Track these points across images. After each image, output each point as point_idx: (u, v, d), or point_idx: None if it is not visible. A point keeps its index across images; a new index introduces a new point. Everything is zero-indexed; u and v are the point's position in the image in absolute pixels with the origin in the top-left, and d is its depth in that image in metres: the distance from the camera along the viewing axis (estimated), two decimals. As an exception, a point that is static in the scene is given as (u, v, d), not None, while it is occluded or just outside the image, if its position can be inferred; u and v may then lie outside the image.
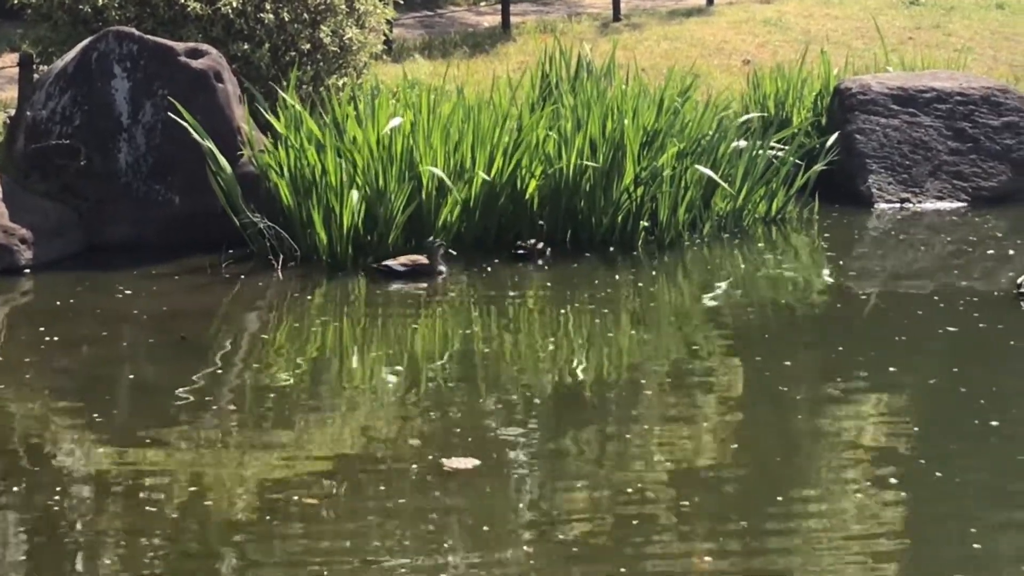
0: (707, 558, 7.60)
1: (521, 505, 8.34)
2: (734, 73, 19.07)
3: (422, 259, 13.16)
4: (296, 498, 8.33)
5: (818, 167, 15.85)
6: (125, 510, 8.22)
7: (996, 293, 12.83)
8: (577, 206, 14.22)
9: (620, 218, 14.24)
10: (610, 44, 18.22)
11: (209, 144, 13.59)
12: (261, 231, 13.47)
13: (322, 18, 15.49)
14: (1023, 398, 10.18)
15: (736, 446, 9.23)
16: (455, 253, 13.41)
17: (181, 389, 10.17)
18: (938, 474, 8.74)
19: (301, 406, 9.97)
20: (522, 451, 9.15)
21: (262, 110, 14.28)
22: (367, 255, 13.48)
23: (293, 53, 15.26)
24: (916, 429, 9.52)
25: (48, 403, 10.08)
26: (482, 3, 23.94)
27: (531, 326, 12.03)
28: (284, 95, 14.16)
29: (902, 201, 16.31)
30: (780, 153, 15.50)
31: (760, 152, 15.14)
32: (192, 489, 8.46)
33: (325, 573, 7.45)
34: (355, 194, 13.46)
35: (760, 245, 14.62)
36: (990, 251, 14.42)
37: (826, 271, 13.99)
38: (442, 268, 13.18)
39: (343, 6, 15.62)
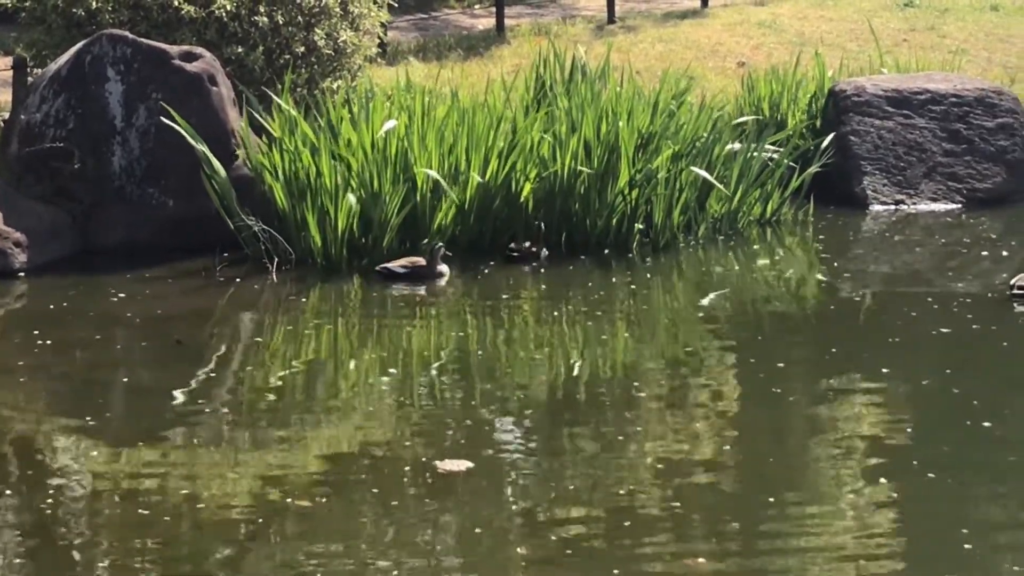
0: (700, 559, 7.60)
1: (514, 507, 8.34)
2: (729, 75, 19.08)
3: (422, 261, 13.16)
4: (290, 501, 8.32)
5: (813, 169, 15.84)
6: (119, 513, 8.21)
7: (990, 295, 12.83)
8: (572, 208, 14.22)
9: (615, 220, 14.24)
10: (605, 46, 18.23)
11: (203, 147, 13.59)
12: (255, 234, 13.47)
13: (316, 21, 15.49)
14: (1016, 399, 10.19)
15: (730, 447, 9.23)
16: (450, 255, 13.41)
17: (175, 392, 10.16)
18: (931, 475, 8.75)
19: (295, 409, 9.97)
20: (516, 453, 9.16)
21: (256, 113, 14.28)
22: (362, 258, 13.49)
23: (287, 56, 15.25)
24: (909, 430, 9.53)
25: (42, 406, 10.08)
26: (476, 6, 23.95)
27: (526, 329, 12.02)
28: (278, 98, 14.17)
29: (897, 203, 16.30)
30: (775, 155, 15.50)
31: (755, 154, 15.13)
32: (186, 492, 8.46)
33: (319, 575, 7.45)
34: (350, 197, 13.46)
35: (755, 247, 14.62)
36: (984, 253, 14.42)
37: (820, 273, 13.99)
38: (442, 270, 13.19)
39: (337, 9, 15.62)
